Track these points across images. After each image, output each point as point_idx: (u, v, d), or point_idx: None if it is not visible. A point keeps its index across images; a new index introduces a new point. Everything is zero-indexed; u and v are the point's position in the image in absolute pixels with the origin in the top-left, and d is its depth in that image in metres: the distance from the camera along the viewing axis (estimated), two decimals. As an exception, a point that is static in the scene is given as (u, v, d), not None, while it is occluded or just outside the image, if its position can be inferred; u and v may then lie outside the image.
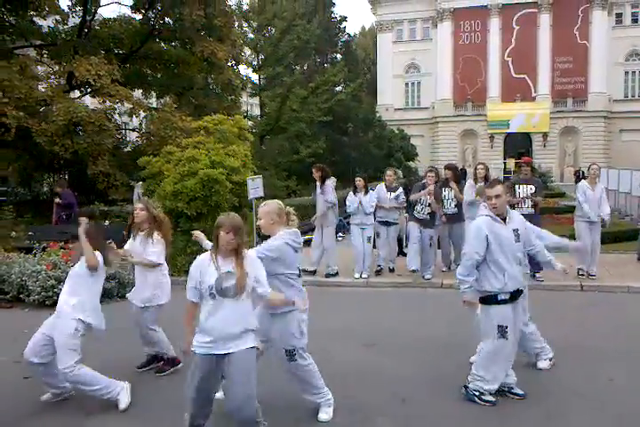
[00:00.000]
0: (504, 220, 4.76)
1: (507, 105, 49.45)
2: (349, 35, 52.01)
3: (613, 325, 7.08)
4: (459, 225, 9.64)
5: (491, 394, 4.77)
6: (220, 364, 3.88)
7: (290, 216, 4.57)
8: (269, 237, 4.51)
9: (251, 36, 32.70)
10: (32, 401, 4.99)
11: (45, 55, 19.35)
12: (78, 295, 4.83)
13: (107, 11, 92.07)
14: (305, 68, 41.91)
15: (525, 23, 48.88)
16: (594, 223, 9.37)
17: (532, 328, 5.43)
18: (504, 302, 4.71)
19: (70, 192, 13.36)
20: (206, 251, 4.18)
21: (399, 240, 10.96)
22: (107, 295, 8.61)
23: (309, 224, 10.79)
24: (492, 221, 4.71)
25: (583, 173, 31.38)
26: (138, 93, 20.93)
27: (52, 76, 18.29)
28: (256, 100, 36.62)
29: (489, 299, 4.75)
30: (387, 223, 10.02)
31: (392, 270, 10.30)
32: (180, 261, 9.68)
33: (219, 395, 4.29)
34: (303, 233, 16.29)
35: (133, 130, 21.80)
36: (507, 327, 4.71)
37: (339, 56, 47.79)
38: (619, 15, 48.68)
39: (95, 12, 19.67)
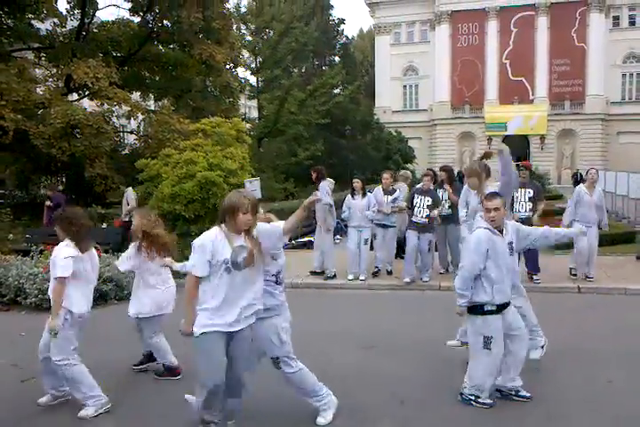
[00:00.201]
0: (501, 232, 4.78)
1: (504, 107, 49.56)
2: (347, 37, 52.12)
3: (611, 327, 7.08)
4: (453, 227, 9.60)
5: (487, 397, 4.77)
6: (227, 341, 3.97)
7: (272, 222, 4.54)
8: None
9: (249, 38, 32.79)
10: (30, 405, 4.97)
11: (43, 58, 19.37)
12: None
13: (105, 13, 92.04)
14: (303, 70, 41.97)
15: (523, 26, 49.02)
16: (589, 228, 9.32)
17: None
18: (490, 312, 4.71)
19: (61, 195, 13.43)
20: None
21: (399, 242, 10.94)
22: (103, 298, 8.62)
23: (309, 226, 10.80)
24: (491, 235, 4.71)
25: (581, 175, 31.40)
26: (136, 96, 20.92)
27: (50, 79, 18.32)
28: (254, 103, 36.69)
29: (475, 309, 4.76)
30: (384, 226, 10.02)
31: (390, 273, 10.29)
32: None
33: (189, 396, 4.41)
34: (302, 235, 16.34)
35: (131, 132, 21.81)
36: (491, 338, 4.69)
37: (337, 59, 47.86)
38: (616, 18, 48.80)
39: (93, 15, 19.68)
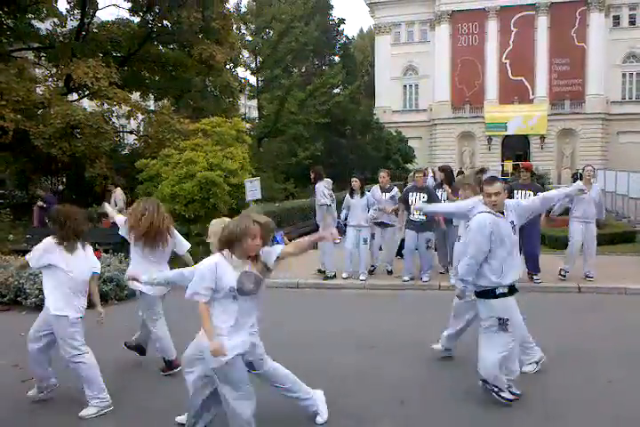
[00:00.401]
0: (502, 213, 4.84)
1: (504, 107, 49.53)
2: (347, 37, 52.08)
3: (611, 326, 7.08)
4: (453, 227, 9.60)
5: (510, 392, 4.74)
6: None
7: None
8: None
9: (249, 38, 32.77)
10: (30, 405, 4.98)
11: (43, 58, 19.37)
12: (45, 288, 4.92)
13: (105, 13, 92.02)
14: (303, 70, 41.97)
15: (523, 25, 48.99)
16: (588, 224, 9.36)
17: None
18: (503, 295, 4.73)
19: (53, 196, 13.44)
20: None
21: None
22: (104, 298, 8.62)
23: (308, 226, 10.83)
24: (494, 217, 4.75)
25: (581, 175, 31.32)
26: (136, 96, 20.91)
27: (50, 79, 18.30)
28: (254, 103, 36.67)
29: (487, 293, 4.77)
30: (382, 224, 10.02)
31: (390, 272, 10.30)
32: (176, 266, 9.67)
33: (180, 418, 4.42)
34: (300, 235, 16.29)
35: (131, 132, 21.79)
36: (507, 320, 4.70)
37: (337, 58, 47.81)
38: (616, 17, 48.78)
39: (93, 15, 19.67)
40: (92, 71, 15.60)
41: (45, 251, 4.83)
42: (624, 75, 49.04)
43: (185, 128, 16.11)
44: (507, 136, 49.92)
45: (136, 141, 20.45)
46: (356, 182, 9.81)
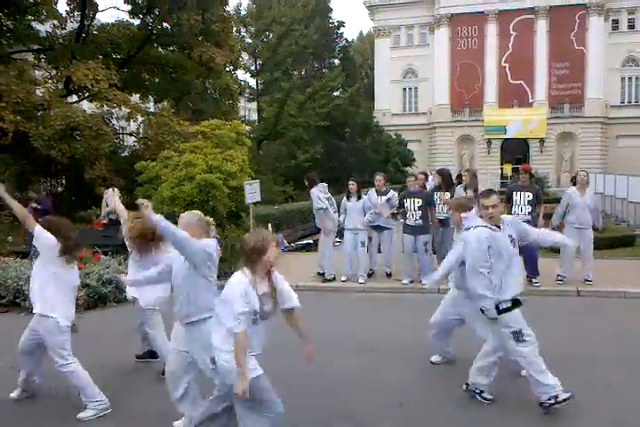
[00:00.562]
0: (498, 227, 4.79)
1: (504, 111, 49.60)
2: (347, 40, 52.22)
3: (610, 330, 7.08)
4: (450, 230, 9.60)
5: (561, 398, 4.64)
6: None
7: (210, 226, 4.49)
8: None
9: (249, 41, 32.85)
10: (28, 406, 4.97)
11: (43, 60, 19.38)
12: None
13: (105, 16, 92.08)
14: (303, 73, 42.06)
15: (522, 29, 49.08)
16: (582, 230, 9.32)
17: None
18: (506, 310, 4.69)
19: (46, 198, 13.37)
20: None
21: None
22: (103, 301, 8.63)
23: (307, 228, 10.84)
24: (491, 231, 4.72)
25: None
26: (135, 98, 20.92)
27: (50, 81, 18.30)
28: (254, 105, 36.73)
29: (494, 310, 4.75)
30: (378, 228, 10.03)
31: (389, 275, 10.29)
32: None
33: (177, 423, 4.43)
34: (300, 238, 16.27)
35: (131, 134, 21.78)
36: (520, 330, 4.66)
37: (336, 61, 47.91)
38: (615, 21, 48.88)
39: (93, 17, 19.69)
40: (91, 73, 15.61)
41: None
42: (623, 79, 49.13)
43: (184, 130, 16.13)
44: (506, 140, 49.96)
45: (136, 143, 20.44)
46: (352, 186, 9.86)
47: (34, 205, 13.03)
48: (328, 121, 31.83)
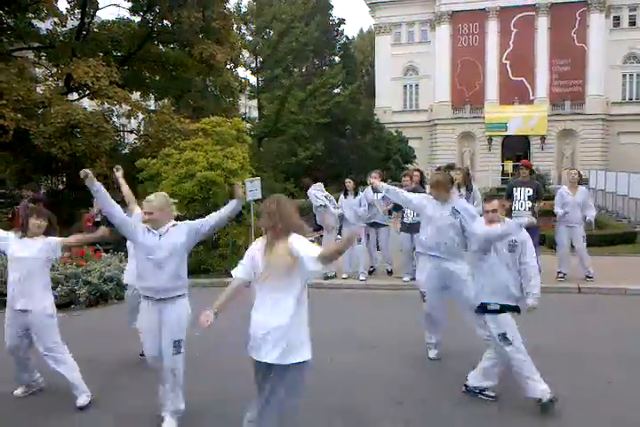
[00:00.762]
0: None
1: (505, 108, 49.52)
2: (348, 37, 52.09)
3: (611, 327, 7.08)
4: None
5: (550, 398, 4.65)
6: None
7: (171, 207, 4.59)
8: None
9: (249, 38, 32.78)
10: (28, 405, 4.97)
11: (43, 57, 19.33)
12: None
13: (105, 13, 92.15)
14: (303, 70, 41.98)
15: (523, 26, 48.98)
16: (573, 228, 9.39)
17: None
18: (495, 312, 4.72)
19: (42, 195, 13.34)
20: None
21: None
22: (104, 298, 8.63)
23: (309, 225, 10.86)
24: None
25: (581, 175, 31.36)
26: (136, 95, 20.89)
27: (50, 79, 18.27)
28: (254, 103, 36.67)
29: (480, 308, 4.81)
30: (375, 224, 10.03)
31: (390, 273, 10.30)
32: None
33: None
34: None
35: (131, 132, 21.77)
36: (505, 334, 4.67)
37: (337, 58, 47.80)
38: (616, 18, 48.75)
39: (93, 15, 19.64)
40: (92, 71, 15.59)
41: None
42: (624, 75, 49.00)
43: (185, 128, 16.10)
44: (507, 136, 49.90)
45: (136, 141, 20.43)
46: (349, 183, 9.92)
47: (30, 205, 12.97)
48: (329, 118, 31.77)
